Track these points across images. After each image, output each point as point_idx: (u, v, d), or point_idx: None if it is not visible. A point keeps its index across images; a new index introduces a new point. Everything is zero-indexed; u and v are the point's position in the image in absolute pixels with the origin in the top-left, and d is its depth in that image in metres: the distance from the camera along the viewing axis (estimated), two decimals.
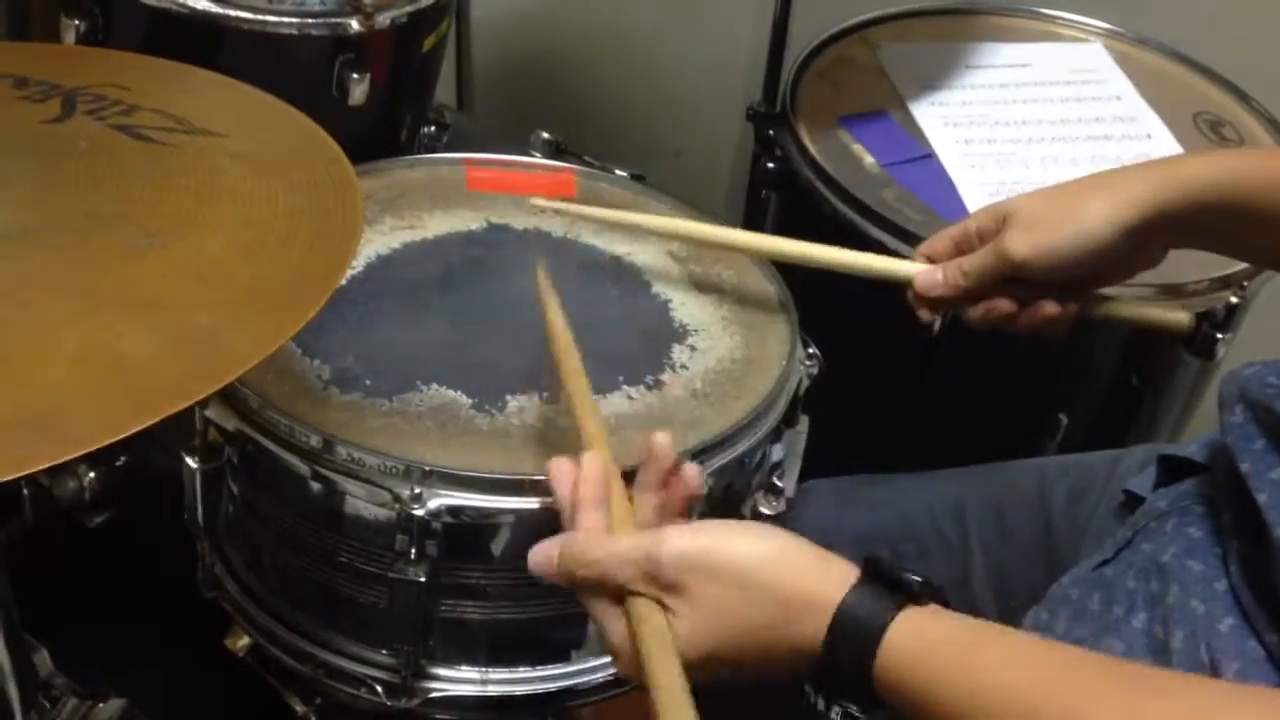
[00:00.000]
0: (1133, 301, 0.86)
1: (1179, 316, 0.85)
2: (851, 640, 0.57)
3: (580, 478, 0.68)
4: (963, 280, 0.83)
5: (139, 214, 0.65)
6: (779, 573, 0.60)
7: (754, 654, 0.60)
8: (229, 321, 0.60)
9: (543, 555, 0.68)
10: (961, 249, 0.86)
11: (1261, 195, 0.76)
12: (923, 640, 0.56)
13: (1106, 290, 0.86)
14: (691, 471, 0.71)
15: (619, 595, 0.64)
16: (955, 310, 0.88)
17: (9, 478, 0.49)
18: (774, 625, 0.59)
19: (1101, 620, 0.73)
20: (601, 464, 0.69)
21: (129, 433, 0.52)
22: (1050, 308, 0.82)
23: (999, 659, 0.55)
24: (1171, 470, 0.82)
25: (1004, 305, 0.83)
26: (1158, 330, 0.87)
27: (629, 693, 0.90)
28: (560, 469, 0.70)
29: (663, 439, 0.70)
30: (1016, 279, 0.82)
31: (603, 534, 0.66)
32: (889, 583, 0.58)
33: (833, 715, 0.60)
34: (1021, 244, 0.79)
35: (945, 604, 0.59)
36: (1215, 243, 0.84)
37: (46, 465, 0.50)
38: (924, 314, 0.87)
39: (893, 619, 0.56)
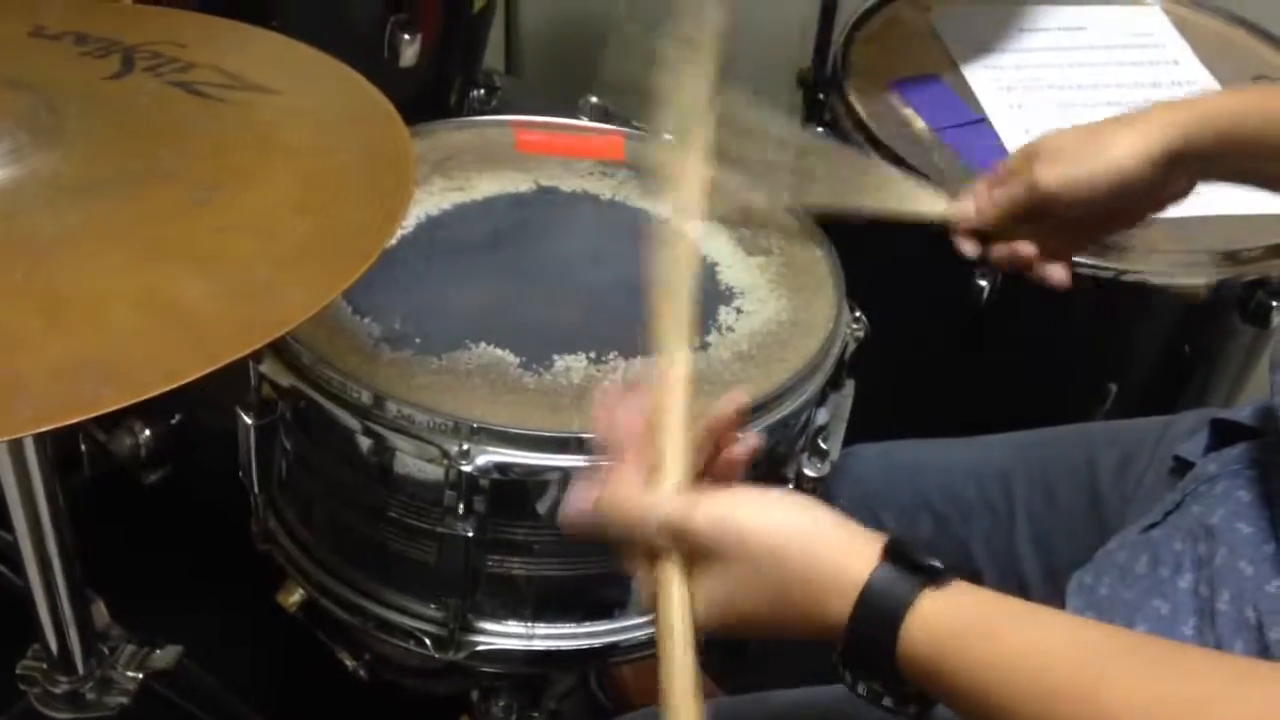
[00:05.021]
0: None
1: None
2: (875, 622, 0.56)
3: (620, 423, 0.65)
4: (993, 210, 0.87)
5: (198, 168, 0.67)
6: (808, 550, 0.59)
7: (775, 627, 0.60)
8: (285, 274, 0.61)
9: (576, 509, 0.66)
10: (994, 188, 0.90)
11: (1269, 129, 0.81)
12: (945, 620, 0.55)
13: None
14: (750, 441, 0.68)
15: (651, 553, 0.63)
16: (987, 254, 0.91)
17: (75, 420, 0.51)
18: (799, 603, 0.59)
19: (1147, 581, 0.73)
20: (638, 413, 0.65)
21: (189, 379, 0.53)
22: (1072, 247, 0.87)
23: (1022, 638, 0.55)
24: (1223, 435, 0.81)
25: (1027, 249, 0.88)
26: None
27: None
28: (603, 411, 0.67)
29: (741, 399, 0.67)
30: (1045, 212, 0.85)
31: (638, 488, 0.63)
32: (910, 565, 0.57)
33: (859, 690, 0.59)
34: (1051, 175, 0.83)
35: (974, 579, 0.58)
36: (1238, 174, 0.86)
37: (110, 409, 0.51)
38: (967, 247, 0.91)
39: (913, 601, 0.56)
